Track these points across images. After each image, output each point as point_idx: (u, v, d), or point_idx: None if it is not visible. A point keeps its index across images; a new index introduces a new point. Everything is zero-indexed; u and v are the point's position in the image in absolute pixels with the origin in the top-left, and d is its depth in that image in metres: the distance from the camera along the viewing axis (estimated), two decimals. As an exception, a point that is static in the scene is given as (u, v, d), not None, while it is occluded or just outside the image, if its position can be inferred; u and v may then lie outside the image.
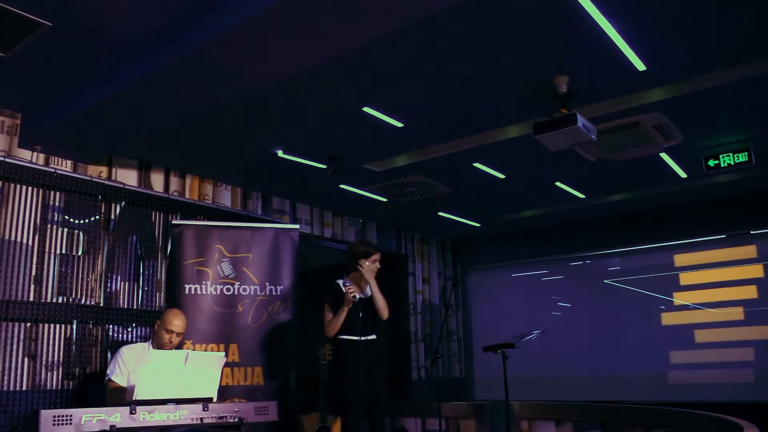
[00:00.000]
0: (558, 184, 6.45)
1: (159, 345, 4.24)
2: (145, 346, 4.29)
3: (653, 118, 4.75)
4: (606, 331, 7.71)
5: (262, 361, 5.33)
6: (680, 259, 7.47)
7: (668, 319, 7.41)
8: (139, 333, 5.13)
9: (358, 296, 4.46)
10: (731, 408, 3.38)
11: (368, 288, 4.57)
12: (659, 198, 7.05)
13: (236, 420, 3.83)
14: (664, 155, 5.61)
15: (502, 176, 6.05)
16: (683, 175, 6.17)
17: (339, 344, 4.45)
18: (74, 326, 4.79)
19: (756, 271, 6.96)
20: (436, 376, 6.06)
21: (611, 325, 7.71)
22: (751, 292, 6.97)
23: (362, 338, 4.39)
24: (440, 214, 7.53)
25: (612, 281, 7.87)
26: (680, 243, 7.43)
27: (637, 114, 4.68)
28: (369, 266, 4.49)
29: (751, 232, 7.05)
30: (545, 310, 8.27)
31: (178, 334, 4.25)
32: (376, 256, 4.59)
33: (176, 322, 4.27)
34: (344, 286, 4.47)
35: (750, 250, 7.06)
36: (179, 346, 4.38)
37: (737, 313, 6.99)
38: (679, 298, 7.35)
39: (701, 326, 7.18)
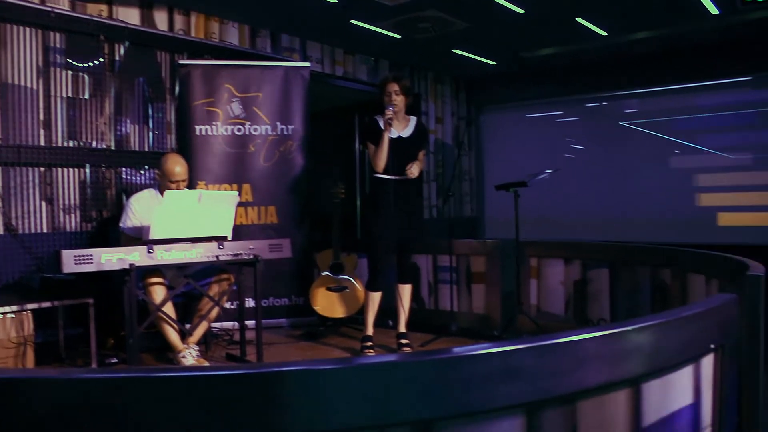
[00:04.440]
0: (579, 19, 6.15)
1: None
2: (153, 193, 4.24)
3: (686, -54, 4.41)
4: (619, 174, 7.68)
5: (276, 200, 5.41)
6: (700, 101, 7.28)
7: (683, 162, 7.34)
8: (152, 175, 5.16)
9: (396, 134, 4.32)
10: (746, 250, 3.40)
11: (407, 127, 4.42)
12: (685, 37, 6.73)
13: (251, 257, 3.94)
14: (694, -12, 5.29)
15: (521, 11, 5.76)
16: (714, 11, 5.83)
17: (374, 183, 4.40)
18: (87, 170, 4.83)
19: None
20: (447, 215, 6.15)
21: (625, 167, 7.67)
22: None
23: (396, 178, 4.31)
24: (455, 51, 7.28)
25: (628, 123, 7.73)
26: (702, 85, 7.19)
27: (668, -59, 4.35)
28: (385, 100, 4.27)
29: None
30: (559, 152, 8.21)
31: (183, 181, 4.11)
32: (390, 87, 4.29)
33: (177, 170, 4.08)
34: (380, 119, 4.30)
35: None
36: (190, 187, 4.38)
37: (753, 158, 6.90)
38: (694, 142, 7.24)
39: (716, 170, 7.12)
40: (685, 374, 1.70)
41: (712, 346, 1.80)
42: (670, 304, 4.02)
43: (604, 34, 6.58)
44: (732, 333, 1.92)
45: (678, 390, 1.67)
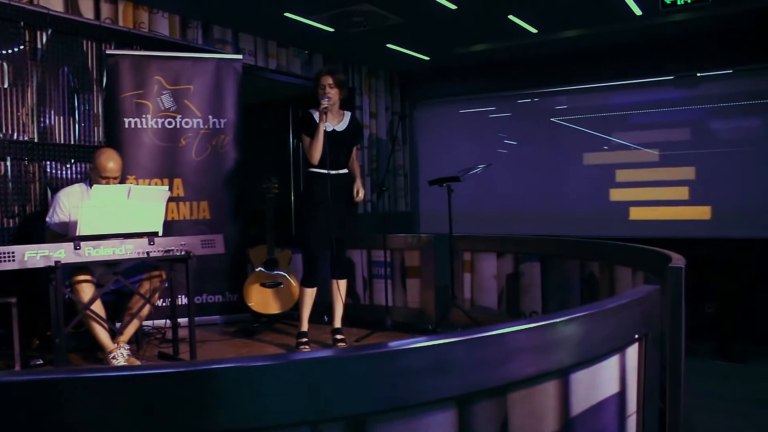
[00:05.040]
0: (511, 17, 6.26)
1: None
2: (83, 187, 4.11)
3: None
4: (550, 169, 7.86)
5: (208, 196, 5.32)
6: (626, 99, 7.51)
7: (612, 158, 7.56)
8: (79, 169, 4.99)
9: (331, 128, 4.30)
10: (673, 243, 3.52)
11: (342, 121, 4.41)
12: (611, 36, 6.93)
13: (183, 253, 3.86)
14: (620, -11, 5.46)
15: (453, 7, 5.82)
16: (638, 12, 6.03)
17: (309, 177, 4.37)
18: (8, 163, 4.62)
19: (700, 113, 7.07)
20: (381, 210, 6.17)
21: (555, 163, 7.86)
22: (693, 134, 7.10)
23: (332, 172, 4.29)
24: (389, 46, 7.30)
25: (558, 120, 7.92)
26: (627, 83, 7.43)
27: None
28: (320, 93, 4.27)
29: (698, 74, 7.07)
30: (491, 147, 8.34)
31: (115, 178, 4.00)
32: (324, 80, 4.28)
33: (110, 165, 3.96)
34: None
35: (695, 93, 7.12)
36: (120, 182, 4.28)
37: (679, 153, 7.16)
38: (623, 138, 7.47)
39: (644, 165, 7.36)
40: (612, 364, 1.76)
41: (637, 335, 1.87)
42: (599, 296, 4.15)
43: (535, 31, 6.71)
44: (655, 323, 1.99)
45: (605, 379, 1.73)
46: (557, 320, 1.52)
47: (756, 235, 6.52)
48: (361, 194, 4.46)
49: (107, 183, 3.96)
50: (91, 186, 4.03)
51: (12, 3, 4.60)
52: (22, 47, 4.70)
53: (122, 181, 4.64)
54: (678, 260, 2.51)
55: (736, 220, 6.74)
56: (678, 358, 2.22)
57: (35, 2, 4.80)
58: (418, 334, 4.84)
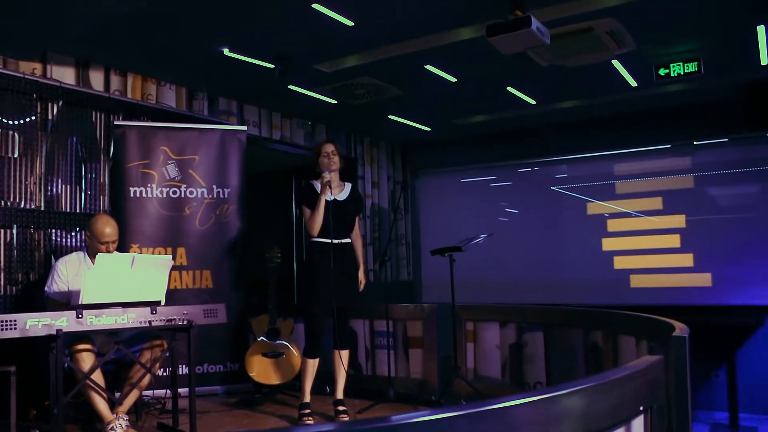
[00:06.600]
0: (509, 89, 6.41)
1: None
2: (81, 256, 4.14)
3: (607, 24, 4.69)
4: (551, 237, 7.89)
5: (211, 264, 5.33)
6: (625, 168, 7.61)
7: (612, 226, 7.59)
8: (83, 237, 5.02)
9: (332, 197, 4.37)
10: (671, 311, 3.53)
11: (343, 191, 4.50)
12: (608, 106, 7.08)
13: (185, 323, 3.85)
14: (615, 63, 5.59)
15: (453, 80, 5.97)
16: (633, 83, 6.18)
17: (311, 246, 4.41)
18: (14, 231, 4.66)
19: (697, 180, 7.15)
20: (384, 280, 6.17)
21: (557, 231, 7.89)
22: (690, 201, 7.16)
23: (334, 241, 4.32)
24: (390, 117, 7.44)
25: (559, 188, 8.00)
26: (626, 152, 7.54)
27: (591, 19, 4.61)
28: (323, 161, 4.39)
29: (695, 143, 7.19)
30: (493, 216, 8.39)
31: (113, 242, 4.04)
32: (326, 148, 4.43)
33: (107, 230, 4.01)
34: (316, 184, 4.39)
35: (692, 160, 7.23)
36: (123, 250, 4.30)
37: (678, 220, 7.20)
38: (623, 206, 7.53)
39: (645, 233, 7.38)
40: (617, 436, 1.74)
41: (642, 407, 1.85)
42: (603, 365, 4.11)
43: (534, 102, 6.86)
44: (660, 393, 1.98)
45: (610, 452, 1.71)
46: (560, 393, 1.51)
47: (759, 302, 6.50)
48: (363, 283, 4.59)
49: (106, 248, 3.99)
50: (89, 254, 4.05)
51: (27, 77, 4.73)
52: (33, 118, 4.81)
53: (125, 248, 4.68)
54: (681, 330, 2.50)
55: (736, 286, 6.72)
56: (685, 429, 2.19)
57: (48, 75, 4.93)
58: (421, 405, 4.78)
